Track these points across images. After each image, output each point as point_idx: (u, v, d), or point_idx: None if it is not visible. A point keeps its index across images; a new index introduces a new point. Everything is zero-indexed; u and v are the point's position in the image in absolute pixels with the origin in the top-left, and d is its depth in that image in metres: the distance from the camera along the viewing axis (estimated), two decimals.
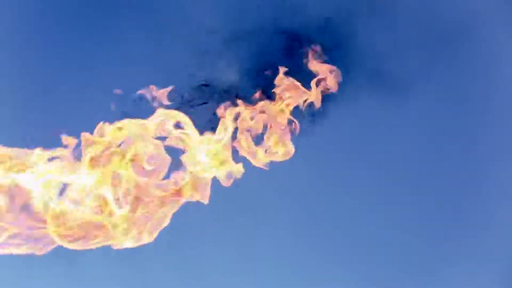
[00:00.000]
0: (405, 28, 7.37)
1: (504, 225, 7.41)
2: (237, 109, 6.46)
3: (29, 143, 5.82)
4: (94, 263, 6.69)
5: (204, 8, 7.18)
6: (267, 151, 6.58)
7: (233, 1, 7.20)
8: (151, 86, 6.63)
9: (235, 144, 6.38)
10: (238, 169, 6.26)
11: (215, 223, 6.64)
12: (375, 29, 7.32)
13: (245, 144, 6.38)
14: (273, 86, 6.84)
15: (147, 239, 5.93)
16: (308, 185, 7.36)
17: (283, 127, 6.61)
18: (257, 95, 6.75)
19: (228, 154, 6.23)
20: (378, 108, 7.32)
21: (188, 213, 6.36)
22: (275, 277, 7.37)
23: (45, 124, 7.05)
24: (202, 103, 6.70)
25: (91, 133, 6.08)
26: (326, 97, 7.05)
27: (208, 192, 6.12)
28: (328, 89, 6.90)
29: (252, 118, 6.48)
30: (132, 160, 5.86)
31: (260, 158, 6.51)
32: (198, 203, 6.18)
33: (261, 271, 7.35)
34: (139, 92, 6.67)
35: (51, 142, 5.92)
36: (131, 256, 6.61)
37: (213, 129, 6.37)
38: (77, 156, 5.88)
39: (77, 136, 6.10)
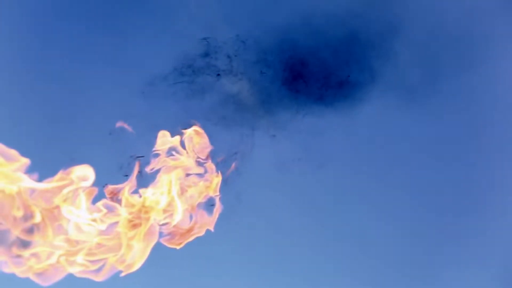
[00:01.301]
0: (410, 32, 7.41)
1: (505, 227, 7.44)
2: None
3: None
4: None
5: None
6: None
7: None
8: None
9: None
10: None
11: (218, 224, 6.61)
12: (383, 34, 7.36)
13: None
14: None
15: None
16: (311, 186, 7.38)
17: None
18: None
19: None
20: (382, 112, 7.36)
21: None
22: (278, 278, 7.39)
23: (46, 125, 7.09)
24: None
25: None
26: (332, 100, 7.07)
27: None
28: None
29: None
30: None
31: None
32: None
33: (263, 273, 7.37)
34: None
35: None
36: None
37: None
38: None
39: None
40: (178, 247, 5.57)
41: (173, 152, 5.63)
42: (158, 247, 5.86)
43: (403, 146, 7.51)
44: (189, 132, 5.77)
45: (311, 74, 7.19)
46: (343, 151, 7.41)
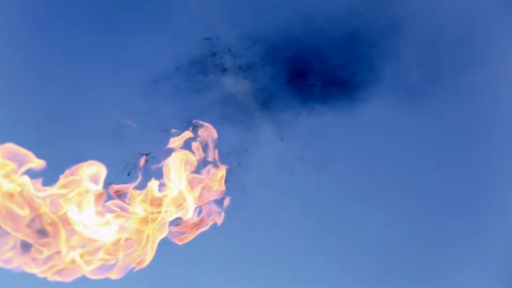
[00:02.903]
0: (411, 32, 7.44)
1: (505, 227, 7.46)
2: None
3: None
4: None
5: None
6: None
7: None
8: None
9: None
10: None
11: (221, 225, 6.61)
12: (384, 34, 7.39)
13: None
14: None
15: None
16: (312, 184, 7.38)
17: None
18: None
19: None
20: (384, 111, 7.38)
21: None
22: (278, 277, 7.37)
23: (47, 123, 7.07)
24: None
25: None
26: (335, 99, 7.09)
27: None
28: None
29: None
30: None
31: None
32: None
33: (263, 271, 7.35)
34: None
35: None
36: None
37: None
38: None
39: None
40: (182, 243, 5.57)
41: (183, 148, 5.66)
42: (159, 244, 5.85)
43: (405, 145, 7.53)
44: (199, 128, 5.81)
45: (313, 74, 7.20)
46: (344, 150, 7.42)
